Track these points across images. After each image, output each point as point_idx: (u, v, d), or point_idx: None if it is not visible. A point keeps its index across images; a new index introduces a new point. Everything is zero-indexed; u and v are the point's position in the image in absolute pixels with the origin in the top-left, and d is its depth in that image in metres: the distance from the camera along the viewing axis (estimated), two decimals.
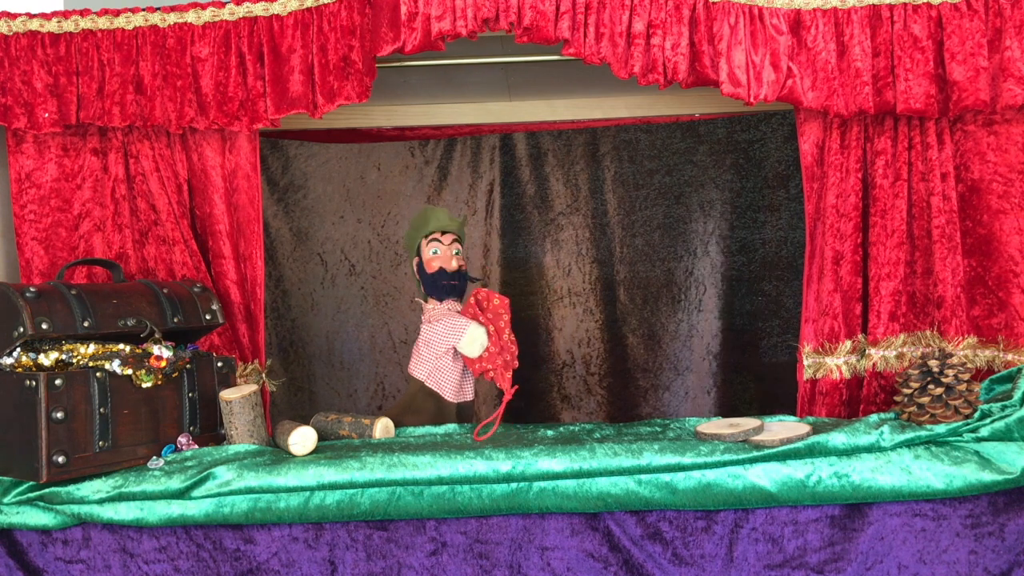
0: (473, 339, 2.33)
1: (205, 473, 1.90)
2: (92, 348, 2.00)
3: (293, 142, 3.45)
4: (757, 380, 3.44)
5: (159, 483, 1.90)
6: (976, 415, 2.01)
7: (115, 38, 2.31)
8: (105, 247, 2.45)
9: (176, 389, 2.13)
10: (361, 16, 2.26)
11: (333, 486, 1.89)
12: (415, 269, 2.47)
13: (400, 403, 2.51)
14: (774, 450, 1.89)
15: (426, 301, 2.46)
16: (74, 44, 2.30)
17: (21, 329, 1.89)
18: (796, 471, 1.87)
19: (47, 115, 2.29)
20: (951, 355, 2.10)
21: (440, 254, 2.41)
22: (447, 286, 2.41)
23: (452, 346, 2.37)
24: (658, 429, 2.25)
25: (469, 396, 2.49)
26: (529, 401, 3.49)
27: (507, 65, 2.78)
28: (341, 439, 2.28)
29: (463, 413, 2.49)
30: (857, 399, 2.40)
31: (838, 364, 2.38)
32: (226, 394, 2.17)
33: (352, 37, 2.26)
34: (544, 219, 3.50)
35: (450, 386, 2.41)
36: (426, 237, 2.43)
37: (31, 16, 2.31)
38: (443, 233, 2.44)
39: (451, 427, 2.34)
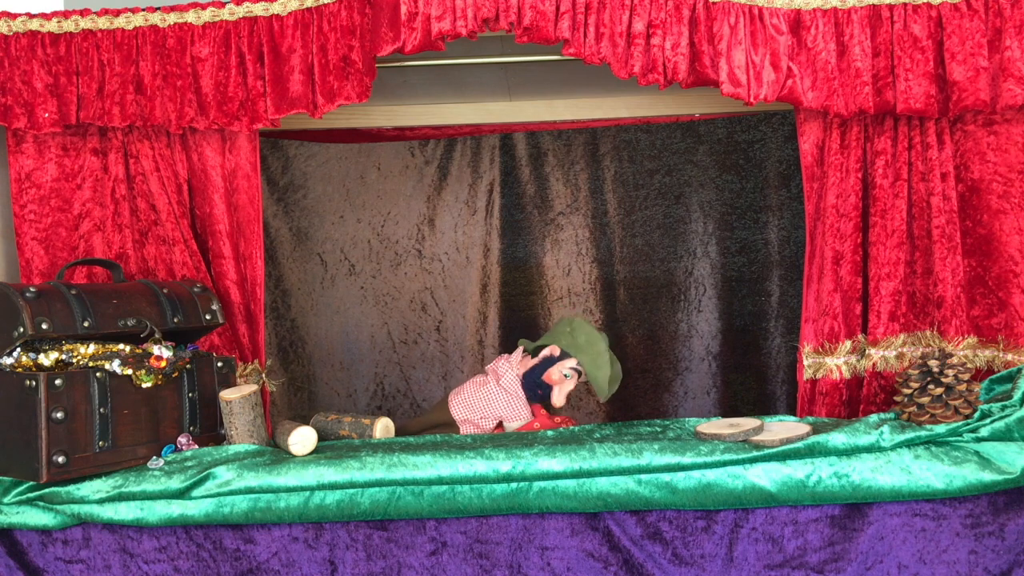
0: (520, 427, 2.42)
1: (205, 473, 1.90)
2: (92, 348, 2.00)
3: (293, 142, 3.45)
4: (757, 380, 3.44)
5: (159, 483, 1.90)
6: (976, 415, 2.01)
7: (115, 38, 2.31)
8: (105, 247, 2.45)
9: (176, 389, 2.13)
10: (361, 16, 2.26)
11: (333, 486, 1.89)
12: (542, 352, 2.42)
13: (418, 423, 2.51)
14: (774, 450, 1.89)
15: (522, 357, 2.46)
16: (74, 44, 2.30)
17: (21, 329, 1.89)
18: (796, 471, 1.87)
19: (47, 115, 2.29)
20: (951, 355, 2.10)
21: (563, 384, 2.40)
22: (539, 395, 2.43)
23: (501, 418, 2.42)
24: (658, 429, 2.25)
25: None
26: None
27: (507, 65, 2.78)
28: (341, 439, 2.28)
29: None
30: (857, 399, 2.40)
31: (838, 364, 2.38)
32: (226, 394, 2.17)
33: (352, 37, 2.26)
34: (544, 219, 3.50)
35: (475, 431, 2.45)
36: (574, 366, 2.40)
37: (31, 16, 2.31)
38: (582, 374, 2.43)
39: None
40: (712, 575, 1.90)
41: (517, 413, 2.39)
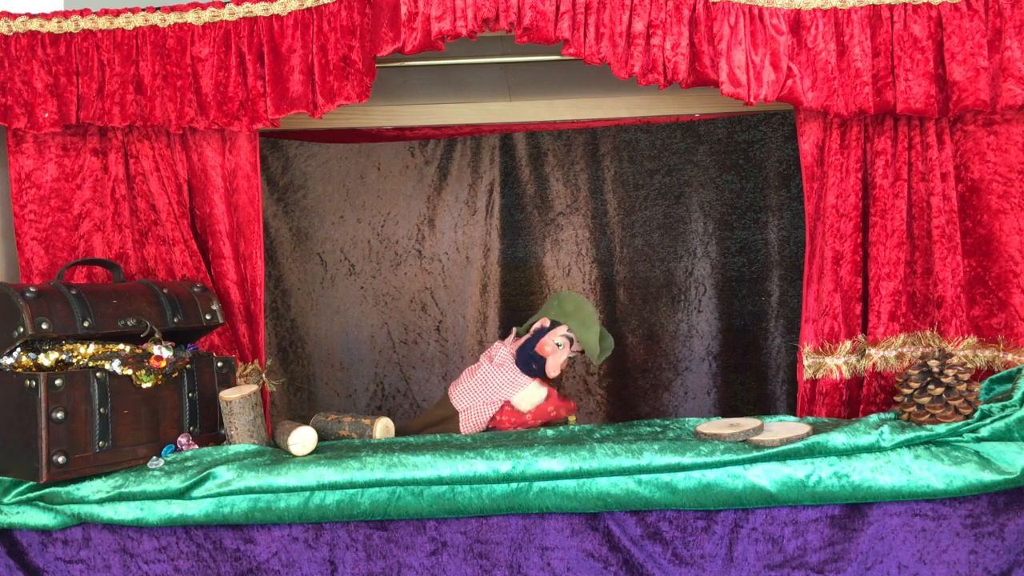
0: (530, 395, 2.36)
1: (205, 473, 1.90)
2: (92, 348, 2.00)
3: (293, 142, 3.45)
4: (757, 380, 3.44)
5: (159, 483, 1.90)
6: (976, 415, 2.01)
7: (115, 38, 2.31)
8: (105, 247, 2.45)
9: (176, 389, 2.13)
10: (361, 16, 2.26)
11: (333, 486, 1.89)
12: (531, 327, 2.42)
13: (419, 423, 2.50)
14: (774, 450, 1.89)
15: (515, 339, 2.45)
16: (74, 44, 2.30)
17: (21, 329, 1.89)
18: (796, 471, 1.87)
19: (47, 115, 2.29)
20: (951, 355, 2.10)
21: (556, 354, 2.37)
22: (533, 369, 2.39)
23: (505, 399, 2.38)
24: (658, 429, 2.25)
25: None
26: None
27: (507, 65, 2.78)
28: (341, 439, 2.28)
29: None
30: (857, 399, 2.40)
31: (838, 364, 2.38)
32: (226, 394, 2.17)
33: (352, 37, 2.26)
34: (544, 219, 3.50)
35: (476, 426, 2.41)
36: (565, 332, 2.38)
37: (31, 16, 2.31)
38: (574, 342, 2.40)
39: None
40: (712, 575, 1.90)
41: (516, 383, 2.37)
